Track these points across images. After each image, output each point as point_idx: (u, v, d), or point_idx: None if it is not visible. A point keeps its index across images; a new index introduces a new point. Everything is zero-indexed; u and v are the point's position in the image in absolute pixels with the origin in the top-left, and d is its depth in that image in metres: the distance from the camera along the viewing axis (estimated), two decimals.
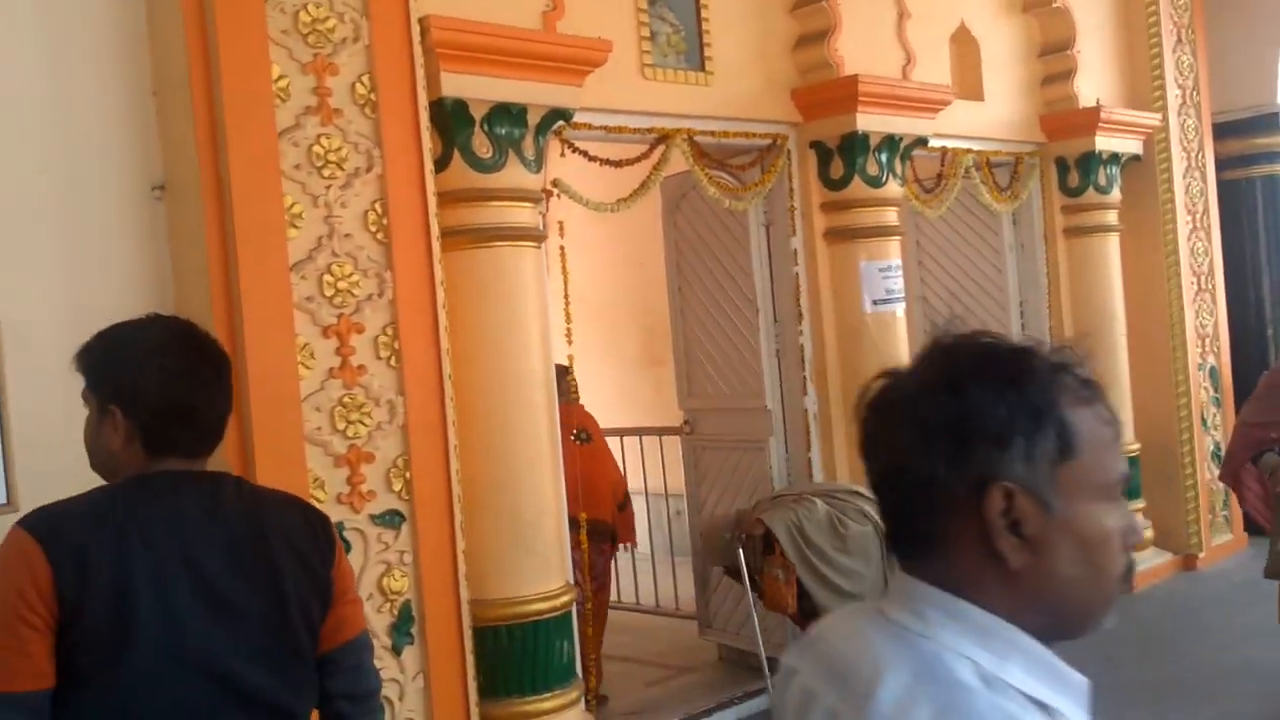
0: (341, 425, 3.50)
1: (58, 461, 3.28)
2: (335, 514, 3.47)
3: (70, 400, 3.28)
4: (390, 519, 3.61)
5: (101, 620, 1.64)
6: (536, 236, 4.17)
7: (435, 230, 3.72)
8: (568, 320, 4.60)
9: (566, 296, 4.63)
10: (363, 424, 3.55)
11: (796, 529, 4.68)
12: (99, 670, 1.64)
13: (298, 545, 1.81)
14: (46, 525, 1.68)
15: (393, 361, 3.61)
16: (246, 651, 1.73)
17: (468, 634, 3.78)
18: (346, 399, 3.51)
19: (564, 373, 5.21)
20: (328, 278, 3.47)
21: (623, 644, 6.03)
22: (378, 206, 3.58)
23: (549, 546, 4.06)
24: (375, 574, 3.58)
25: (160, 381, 1.78)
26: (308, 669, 1.82)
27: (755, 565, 4.82)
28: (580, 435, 5.38)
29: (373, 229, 3.57)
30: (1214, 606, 6.42)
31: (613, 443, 6.70)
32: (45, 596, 1.63)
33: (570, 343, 4.69)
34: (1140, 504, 6.95)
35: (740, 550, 4.83)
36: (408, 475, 3.64)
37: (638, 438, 6.62)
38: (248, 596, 1.75)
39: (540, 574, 4.03)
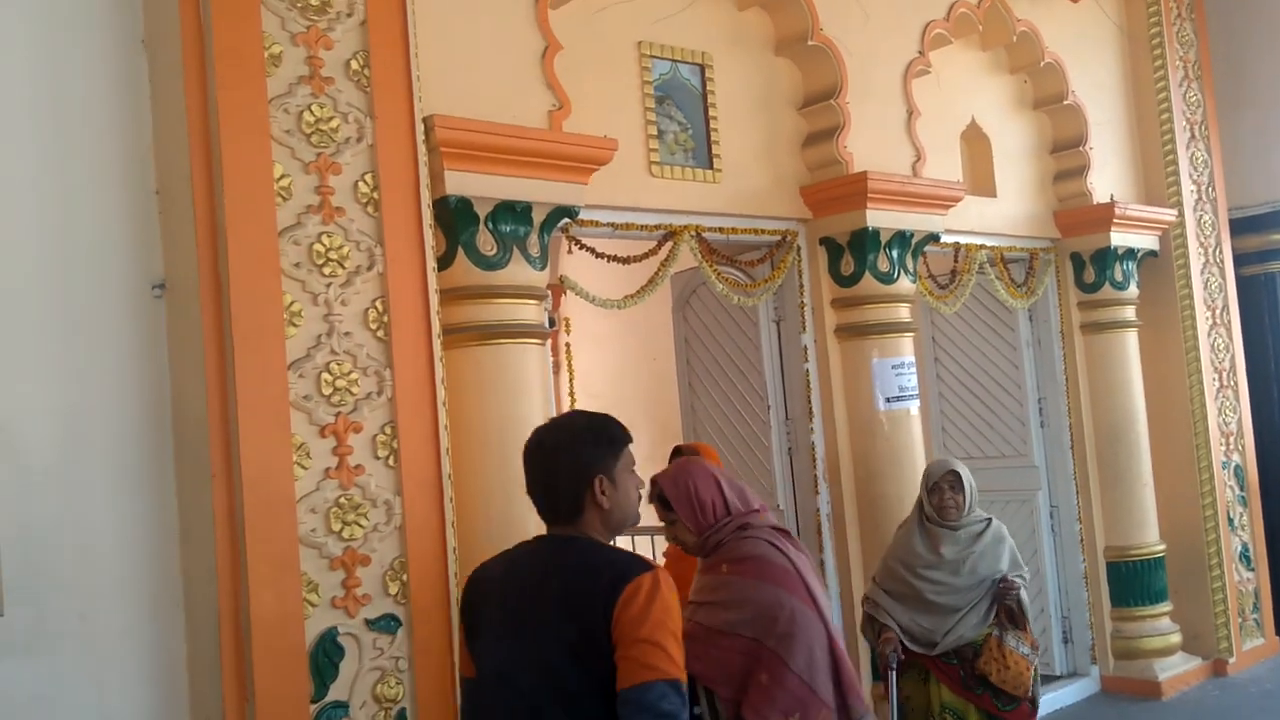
0: (337, 527, 3.42)
1: (47, 560, 3.23)
2: (329, 619, 3.38)
3: (61, 498, 3.25)
4: (386, 624, 3.50)
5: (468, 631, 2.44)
6: (541, 333, 4.13)
7: (436, 328, 3.68)
8: None
9: (572, 394, 4.58)
10: (359, 525, 3.47)
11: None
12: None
13: (572, 600, 2.20)
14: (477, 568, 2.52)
15: (391, 461, 3.54)
16: (520, 682, 2.25)
17: None
18: (343, 500, 3.44)
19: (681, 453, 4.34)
20: (326, 376, 3.42)
21: None
22: (378, 304, 3.55)
23: None
24: (369, 681, 3.46)
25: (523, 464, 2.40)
26: (566, 695, 2.19)
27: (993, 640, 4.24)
28: None
29: (373, 326, 3.54)
30: (1247, 715, 6.19)
31: (623, 543, 6.57)
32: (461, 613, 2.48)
33: None
34: (1167, 607, 6.75)
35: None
36: (405, 578, 3.54)
37: (649, 537, 6.48)
38: (526, 642, 2.25)
39: None
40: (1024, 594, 4.23)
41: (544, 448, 2.36)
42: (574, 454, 2.32)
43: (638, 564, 2.23)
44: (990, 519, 4.39)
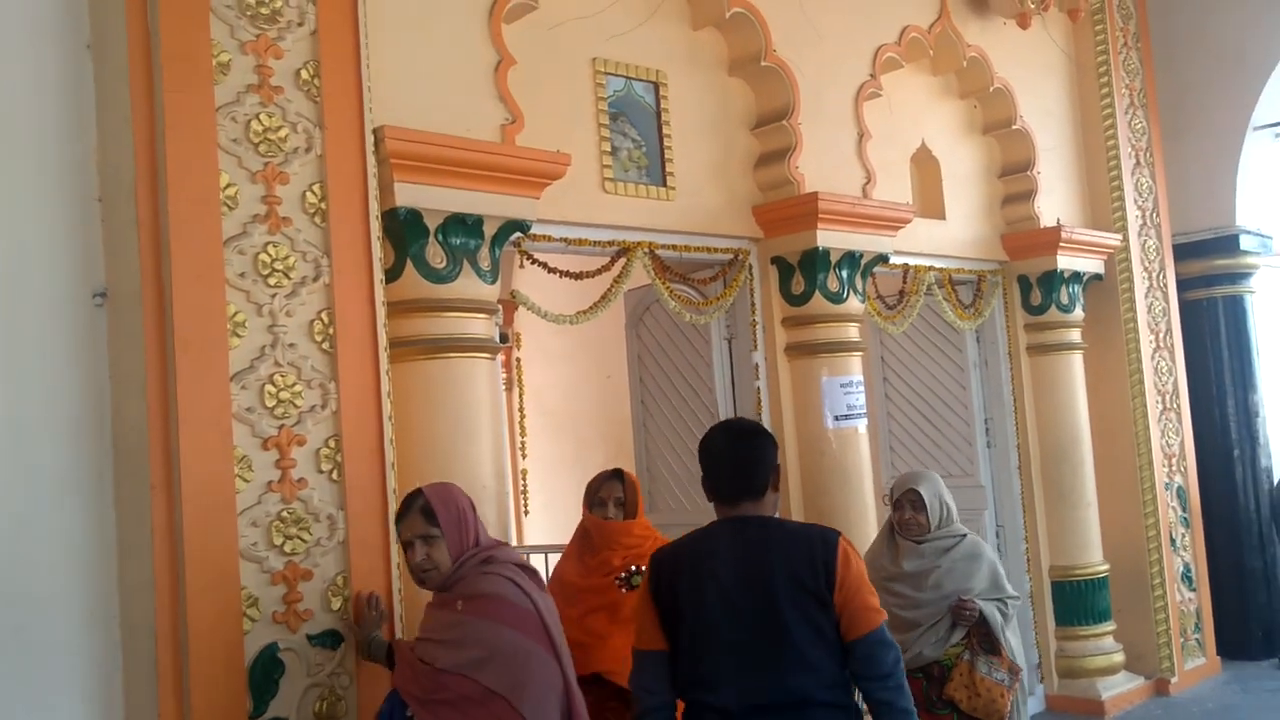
0: (279, 541, 3.37)
1: None
2: (269, 634, 3.33)
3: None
4: (328, 640, 3.45)
5: (668, 603, 2.83)
6: (491, 348, 4.11)
7: (383, 340, 3.65)
8: (522, 433, 4.51)
9: (523, 410, 4.56)
10: (301, 539, 3.42)
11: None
12: (672, 634, 2.83)
13: (796, 572, 2.71)
14: (660, 550, 2.98)
15: (335, 475, 3.50)
16: (742, 634, 2.71)
17: None
18: (285, 513, 3.39)
19: (607, 479, 4.18)
20: (269, 388, 3.38)
21: None
22: (324, 316, 3.52)
23: None
24: (310, 698, 3.40)
25: (701, 453, 2.93)
26: (801, 655, 2.69)
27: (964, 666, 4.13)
28: (631, 578, 4.01)
29: (318, 339, 3.50)
30: None
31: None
32: (651, 591, 2.88)
33: (524, 455, 4.59)
34: (1110, 626, 6.82)
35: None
36: (348, 594, 3.50)
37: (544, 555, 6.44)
38: (746, 601, 2.73)
39: None
40: (997, 615, 4.13)
41: (744, 439, 2.91)
42: (765, 446, 2.90)
43: (830, 531, 2.83)
44: (965, 534, 4.28)
